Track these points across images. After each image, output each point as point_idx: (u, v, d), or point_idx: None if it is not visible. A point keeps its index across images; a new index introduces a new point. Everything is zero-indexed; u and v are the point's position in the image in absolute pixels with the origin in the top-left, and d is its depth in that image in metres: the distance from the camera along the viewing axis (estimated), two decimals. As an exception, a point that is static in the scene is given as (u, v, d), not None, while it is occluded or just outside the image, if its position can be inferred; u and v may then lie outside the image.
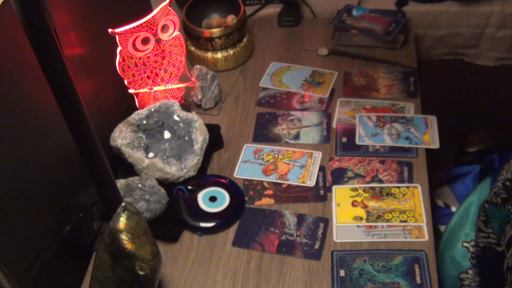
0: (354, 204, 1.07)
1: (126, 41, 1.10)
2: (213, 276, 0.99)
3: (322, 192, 1.10)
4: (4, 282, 0.79)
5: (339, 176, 1.13)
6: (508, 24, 1.47)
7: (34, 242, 0.94)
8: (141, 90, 1.19)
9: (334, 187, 1.10)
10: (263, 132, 1.24)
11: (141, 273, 0.81)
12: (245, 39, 1.41)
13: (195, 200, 1.09)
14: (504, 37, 1.51)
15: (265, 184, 1.13)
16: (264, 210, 1.08)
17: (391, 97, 1.29)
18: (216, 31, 1.34)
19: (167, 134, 1.15)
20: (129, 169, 1.10)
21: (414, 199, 1.07)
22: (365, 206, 1.07)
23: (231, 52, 1.38)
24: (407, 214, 1.04)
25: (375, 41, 1.41)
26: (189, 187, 1.10)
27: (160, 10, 1.12)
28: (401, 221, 1.03)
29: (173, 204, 1.08)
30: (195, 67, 1.27)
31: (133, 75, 1.16)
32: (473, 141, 1.40)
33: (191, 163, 1.11)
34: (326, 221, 1.05)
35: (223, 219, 1.06)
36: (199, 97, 1.27)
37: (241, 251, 1.02)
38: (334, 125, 1.23)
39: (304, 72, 1.38)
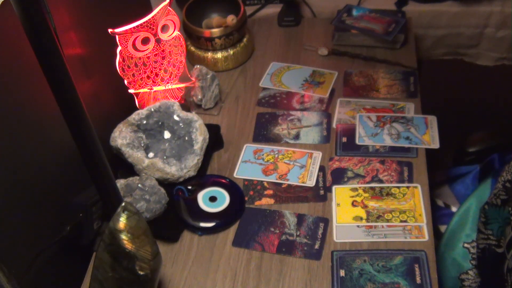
0: (354, 204, 1.07)
1: (126, 41, 1.10)
2: (213, 276, 0.99)
3: (322, 192, 1.10)
4: (4, 282, 0.79)
5: (339, 176, 1.13)
6: (508, 24, 1.47)
7: (34, 242, 0.94)
8: (141, 90, 1.19)
9: (334, 187, 1.10)
10: (263, 132, 1.24)
11: (141, 273, 0.81)
12: (245, 39, 1.41)
13: (195, 200, 1.09)
14: (504, 37, 1.50)
15: (265, 184, 1.13)
16: (264, 210, 1.08)
17: (391, 97, 1.29)
18: (216, 31, 1.34)
19: (167, 134, 1.15)
20: (129, 169, 1.10)
21: (414, 199, 1.07)
22: (365, 206, 1.07)
23: (231, 52, 1.38)
24: (407, 214, 1.04)
25: (375, 41, 1.41)
26: (189, 187, 1.10)
27: (160, 10, 1.12)
28: (401, 221, 1.03)
29: (173, 204, 1.08)
30: (195, 67, 1.27)
31: (133, 75, 1.16)
32: (473, 141, 1.41)
33: (191, 163, 1.11)
34: (326, 221, 1.05)
35: (223, 219, 1.06)
36: (199, 97, 1.27)
37: (241, 251, 1.02)
38: (334, 125, 1.23)
39: (304, 72, 1.38)
